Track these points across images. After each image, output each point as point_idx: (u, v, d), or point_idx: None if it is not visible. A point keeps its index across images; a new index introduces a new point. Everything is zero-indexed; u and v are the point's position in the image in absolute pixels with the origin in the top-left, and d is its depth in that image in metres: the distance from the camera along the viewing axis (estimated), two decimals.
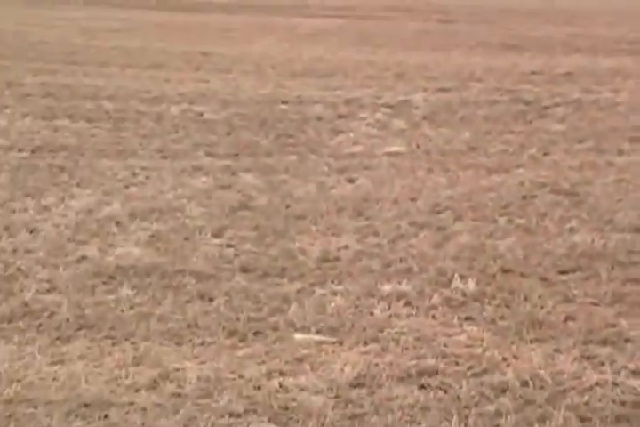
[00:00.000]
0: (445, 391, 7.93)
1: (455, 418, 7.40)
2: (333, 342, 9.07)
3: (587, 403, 7.82)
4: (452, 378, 8.18)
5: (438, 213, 12.47)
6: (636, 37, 28.25)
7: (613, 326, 9.32)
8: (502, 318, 9.50)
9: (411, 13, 33.54)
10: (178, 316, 9.60)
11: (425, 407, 7.62)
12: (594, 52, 25.33)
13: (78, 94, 19.22)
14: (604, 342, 8.96)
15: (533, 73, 21.55)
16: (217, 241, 11.53)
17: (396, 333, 9.21)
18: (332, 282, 10.32)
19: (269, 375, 8.27)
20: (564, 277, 10.39)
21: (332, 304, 9.83)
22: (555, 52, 25.02)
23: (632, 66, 23.42)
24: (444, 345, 8.99)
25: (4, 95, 19.22)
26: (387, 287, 10.18)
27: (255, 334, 9.27)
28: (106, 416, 7.51)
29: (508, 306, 9.74)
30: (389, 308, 9.74)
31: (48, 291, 10.16)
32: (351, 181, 13.92)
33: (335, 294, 10.06)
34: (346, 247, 11.26)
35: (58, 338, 9.15)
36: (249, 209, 12.64)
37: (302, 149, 15.47)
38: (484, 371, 8.41)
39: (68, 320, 9.48)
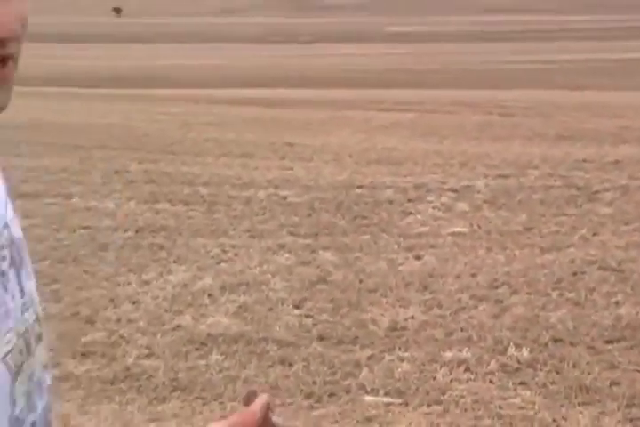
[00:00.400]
0: None
1: None
2: (400, 404, 9.05)
3: None
4: None
5: (496, 287, 12.41)
6: None
7: None
8: (553, 382, 9.42)
9: (473, 108, 33.49)
10: (261, 379, 9.59)
11: None
12: None
13: (177, 181, 19.26)
14: None
15: (584, 161, 21.44)
16: (297, 312, 11.50)
17: (456, 395, 9.17)
18: (400, 349, 10.28)
19: None
20: (609, 347, 10.31)
21: (399, 369, 9.79)
22: (604, 142, 24.95)
23: None
24: (500, 407, 8.94)
25: (112, 181, 19.28)
26: (448, 354, 10.13)
27: (329, 395, 9.25)
28: None
29: (558, 372, 9.67)
30: (451, 373, 9.70)
31: (147, 356, 10.17)
32: (418, 258, 13.89)
33: (402, 360, 10.03)
34: (412, 318, 11.22)
35: (154, 398, 9.17)
36: (326, 283, 12.61)
37: (375, 229, 15.46)
38: None
39: (163, 383, 9.50)
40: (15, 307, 2.18)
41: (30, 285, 2.29)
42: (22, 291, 2.23)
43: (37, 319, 2.30)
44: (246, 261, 13.77)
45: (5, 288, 2.14)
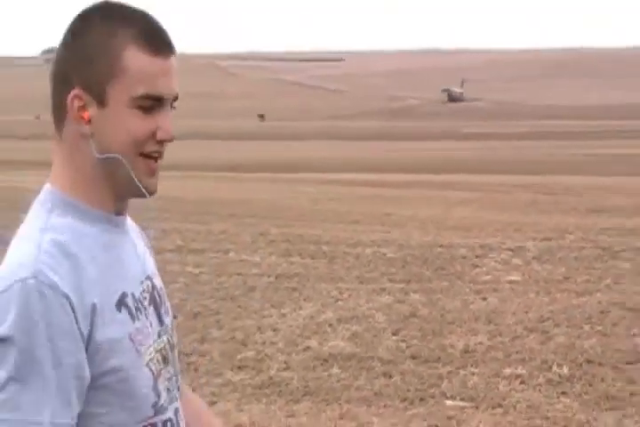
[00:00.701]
0: None
1: None
2: (471, 407, 8.99)
3: None
4: None
5: (543, 321, 12.32)
6: None
7: None
8: (586, 393, 9.33)
9: (526, 188, 33.42)
10: (368, 387, 9.56)
11: None
12: None
13: (305, 241, 19.28)
14: None
15: (608, 229, 21.28)
16: (395, 338, 11.46)
17: (514, 401, 9.11)
18: (471, 366, 10.22)
19: None
20: (629, 366, 10.20)
21: (471, 381, 9.73)
22: (623, 214, 24.77)
23: None
24: (547, 411, 8.87)
25: (258, 241, 19.35)
26: (508, 371, 10.05)
27: (420, 400, 9.19)
28: None
29: (590, 385, 9.58)
30: (510, 384, 9.63)
31: (285, 369, 10.17)
32: (484, 299, 13.82)
33: (473, 374, 9.96)
34: (480, 343, 11.15)
35: (291, 400, 9.15)
36: (416, 317, 12.57)
37: (452, 277, 15.40)
38: None
39: (297, 388, 9.49)
40: (153, 331, 2.32)
41: (167, 319, 2.43)
42: (161, 321, 2.39)
43: (170, 343, 2.42)
44: (356, 300, 13.76)
45: (146, 317, 2.31)
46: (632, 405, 8.97)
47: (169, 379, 2.36)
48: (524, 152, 65.02)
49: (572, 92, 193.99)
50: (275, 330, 11.97)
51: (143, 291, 2.34)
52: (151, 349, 2.29)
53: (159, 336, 2.35)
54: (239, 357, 10.69)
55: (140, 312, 2.28)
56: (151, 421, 2.28)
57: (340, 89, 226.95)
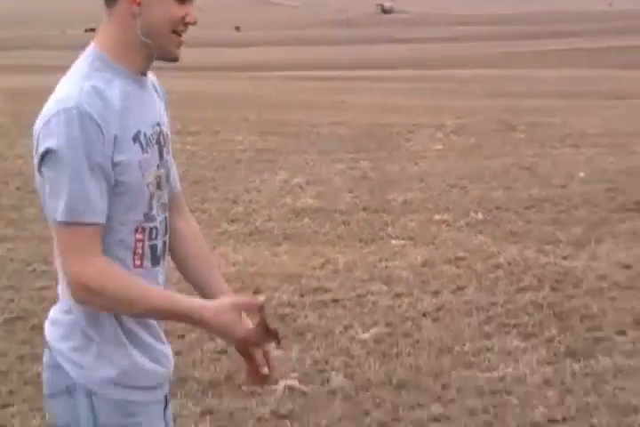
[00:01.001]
0: None
1: None
2: (411, 244, 9.06)
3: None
4: None
5: (461, 179, 12.39)
6: None
7: None
8: (496, 231, 9.44)
9: (445, 80, 33.23)
10: (332, 232, 9.63)
11: None
12: None
13: (281, 123, 19.26)
14: None
15: (508, 109, 21.33)
16: (350, 195, 11.50)
17: (442, 239, 9.19)
18: (409, 214, 10.30)
19: None
20: (527, 211, 10.28)
21: (409, 226, 9.80)
22: (520, 98, 24.74)
23: None
24: (467, 245, 8.95)
25: (241, 125, 19.17)
26: (437, 217, 10.10)
27: (372, 241, 9.22)
28: None
29: (499, 225, 9.67)
30: (438, 227, 9.71)
31: (267, 221, 10.22)
32: (416, 164, 13.95)
33: (411, 220, 10.03)
34: (415, 197, 11.22)
35: (274, 244, 9.18)
36: (365, 179, 12.66)
37: (391, 149, 15.56)
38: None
39: (278, 235, 9.51)
40: (154, 163, 2.47)
41: (167, 157, 2.57)
42: (161, 157, 2.52)
43: (165, 175, 2.55)
44: (319, 167, 13.79)
45: (152, 152, 2.46)
46: (530, 239, 9.02)
47: (159, 199, 2.50)
48: (446, 52, 64.27)
49: (489, 3, 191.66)
50: (258, 191, 11.99)
51: (153, 133, 2.48)
52: (151, 175, 2.45)
53: (158, 168, 2.49)
54: (232, 212, 10.72)
55: (149, 147, 2.45)
56: (142, 225, 2.43)
57: (295, 5, 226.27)
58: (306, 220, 10.28)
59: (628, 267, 7.89)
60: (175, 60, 2.51)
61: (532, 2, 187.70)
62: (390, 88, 31.12)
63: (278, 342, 2.40)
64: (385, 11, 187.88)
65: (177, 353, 4.21)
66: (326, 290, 7.53)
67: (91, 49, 2.46)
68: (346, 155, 15.07)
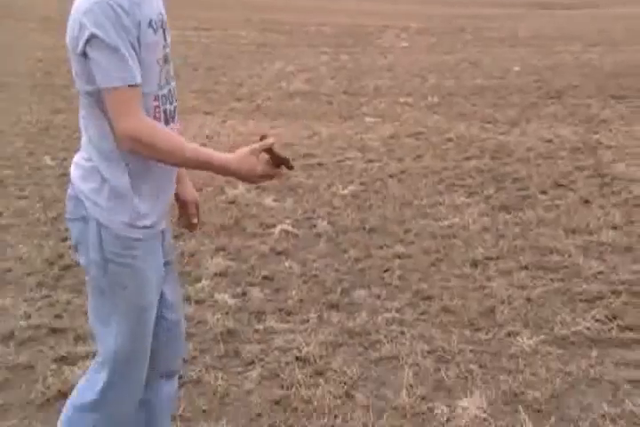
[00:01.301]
0: None
1: None
2: (380, 121, 8.95)
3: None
4: None
5: (422, 71, 12.16)
6: None
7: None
8: (448, 112, 9.33)
9: None
10: (318, 110, 9.51)
11: None
12: None
13: (277, 22, 18.76)
14: None
15: (460, 16, 20.89)
16: (332, 81, 11.31)
17: (405, 118, 9.09)
18: (380, 97, 10.17)
19: None
20: (472, 96, 10.15)
21: (380, 106, 9.67)
22: (476, 7, 24.23)
23: None
24: (426, 123, 8.86)
25: (245, 24, 18.70)
26: (402, 99, 9.98)
27: (349, 118, 9.13)
28: None
29: (451, 107, 9.56)
30: (402, 108, 9.58)
31: (267, 100, 10.03)
32: (385, 57, 13.63)
33: (381, 102, 9.90)
34: (385, 84, 11.02)
35: (272, 119, 9.04)
36: (345, 69, 12.42)
37: (365, 45, 15.19)
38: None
39: (275, 112, 9.35)
40: (161, 42, 2.40)
41: (169, 39, 2.46)
42: (165, 39, 2.43)
43: (169, 53, 2.46)
44: (308, 59, 13.57)
45: (159, 34, 2.39)
46: (474, 118, 8.92)
47: (167, 72, 2.44)
48: None
49: None
50: (259, 77, 11.83)
51: (158, 20, 2.39)
52: (160, 53, 2.39)
53: (164, 47, 2.42)
54: (238, 93, 10.58)
55: (157, 31, 2.37)
56: (156, 93, 2.39)
57: None
58: (297, 100, 10.17)
59: (549, 141, 7.87)
60: None
61: None
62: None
63: (291, 167, 2.41)
64: None
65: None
66: (313, 156, 7.49)
67: None
68: (329, 49, 14.80)
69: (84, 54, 2.25)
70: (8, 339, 4.02)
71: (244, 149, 2.36)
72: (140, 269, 2.41)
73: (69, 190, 2.45)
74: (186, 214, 2.68)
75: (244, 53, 14.23)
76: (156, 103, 2.39)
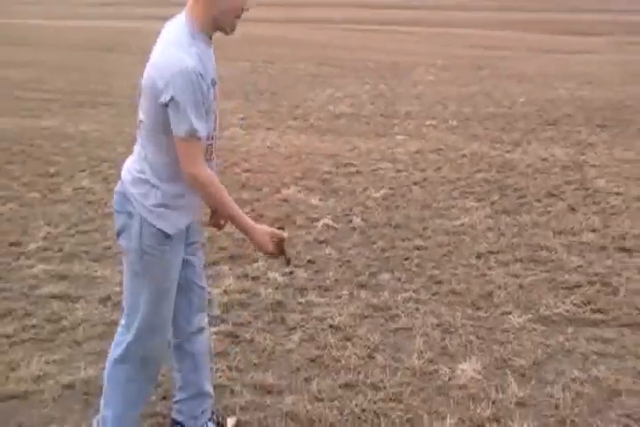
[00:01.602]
0: None
1: None
2: (410, 140, 8.87)
3: None
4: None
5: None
6: None
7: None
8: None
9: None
10: (360, 129, 9.45)
11: None
12: None
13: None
14: None
15: None
16: (371, 106, 11.23)
17: (430, 136, 8.98)
18: (411, 120, 10.08)
19: None
20: None
21: (409, 127, 9.61)
22: None
23: None
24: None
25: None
26: (429, 121, 9.93)
27: (383, 136, 9.08)
28: None
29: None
30: (428, 127, 9.51)
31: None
32: None
33: (409, 124, 9.81)
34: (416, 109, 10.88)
35: (320, 134, 8.99)
36: (382, 96, 12.34)
37: None
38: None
39: (325, 128, 9.29)
40: (213, 98, 2.41)
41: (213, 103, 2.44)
42: (214, 96, 2.42)
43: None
44: (352, 87, 13.42)
45: (213, 92, 2.41)
46: (485, 139, 8.80)
47: (215, 121, 2.47)
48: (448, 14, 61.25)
49: None
50: (312, 101, 11.68)
51: (213, 79, 2.41)
52: (214, 104, 2.42)
53: (214, 99, 2.42)
54: (295, 113, 10.52)
55: (214, 87, 2.41)
56: (211, 135, 2.44)
57: None
58: (342, 120, 10.14)
59: (545, 159, 7.75)
60: (228, 34, 2.45)
61: None
62: (403, 39, 30.05)
63: (288, 264, 2.60)
64: None
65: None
66: (353, 165, 7.48)
67: (184, 21, 2.38)
68: (370, 80, 14.73)
69: (164, 105, 2.28)
70: (106, 300, 4.12)
71: (267, 229, 2.45)
72: (168, 260, 2.47)
73: (118, 187, 2.49)
74: (216, 216, 2.67)
75: (302, 82, 14.24)
76: (209, 142, 2.45)
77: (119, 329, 2.61)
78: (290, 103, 11.55)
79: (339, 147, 8.36)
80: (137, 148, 2.47)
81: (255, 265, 4.67)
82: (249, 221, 2.44)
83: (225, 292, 4.25)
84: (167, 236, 2.44)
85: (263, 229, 2.44)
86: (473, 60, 19.50)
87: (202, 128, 2.30)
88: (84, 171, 7.02)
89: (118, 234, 2.50)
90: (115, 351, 2.59)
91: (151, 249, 2.43)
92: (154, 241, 2.43)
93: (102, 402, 2.61)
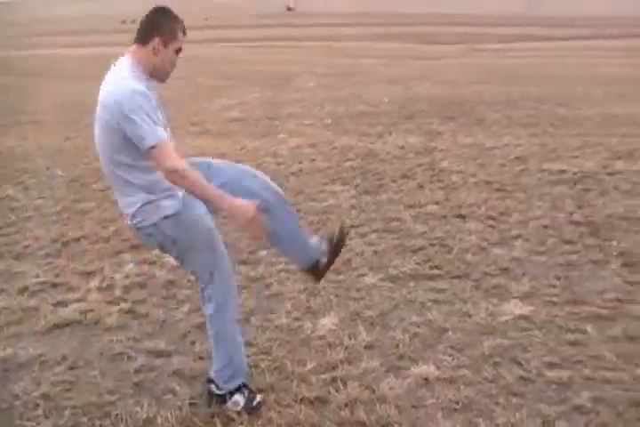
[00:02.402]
0: None
1: None
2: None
3: None
4: None
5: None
6: None
7: None
8: None
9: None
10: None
11: None
12: None
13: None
14: None
15: None
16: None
17: None
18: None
19: None
20: None
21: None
22: None
23: None
24: None
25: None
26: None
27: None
28: None
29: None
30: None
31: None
32: None
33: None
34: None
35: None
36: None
37: None
38: None
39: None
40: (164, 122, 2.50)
41: (165, 121, 2.53)
42: (165, 119, 2.54)
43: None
44: (243, 95, 13.29)
45: (160, 113, 2.50)
46: (354, 133, 8.89)
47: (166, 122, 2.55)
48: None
49: None
50: (208, 109, 11.58)
51: (160, 109, 2.51)
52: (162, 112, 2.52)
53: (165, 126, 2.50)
54: (193, 120, 10.41)
55: (160, 113, 2.49)
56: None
57: None
58: (233, 124, 10.05)
59: (402, 147, 7.95)
60: (164, 82, 2.59)
61: None
62: (289, 52, 29.84)
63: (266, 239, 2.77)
64: (289, 9, 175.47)
65: None
66: (241, 161, 7.37)
67: (130, 60, 2.50)
68: (258, 88, 14.62)
69: (124, 126, 2.36)
70: (23, 291, 4.02)
71: (244, 202, 2.42)
72: (191, 225, 2.57)
73: (128, 223, 2.61)
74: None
75: (201, 93, 14.04)
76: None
77: (200, 299, 2.71)
78: (189, 112, 11.36)
79: (229, 147, 8.30)
80: (116, 193, 2.59)
81: (153, 253, 4.62)
82: (227, 199, 2.42)
83: (126, 276, 4.21)
84: (174, 213, 2.54)
85: (240, 204, 2.43)
86: (348, 68, 19.72)
87: (162, 131, 2.38)
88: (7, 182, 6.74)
89: (162, 249, 2.69)
90: (206, 311, 2.70)
91: (173, 232, 2.54)
92: (172, 228, 2.54)
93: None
